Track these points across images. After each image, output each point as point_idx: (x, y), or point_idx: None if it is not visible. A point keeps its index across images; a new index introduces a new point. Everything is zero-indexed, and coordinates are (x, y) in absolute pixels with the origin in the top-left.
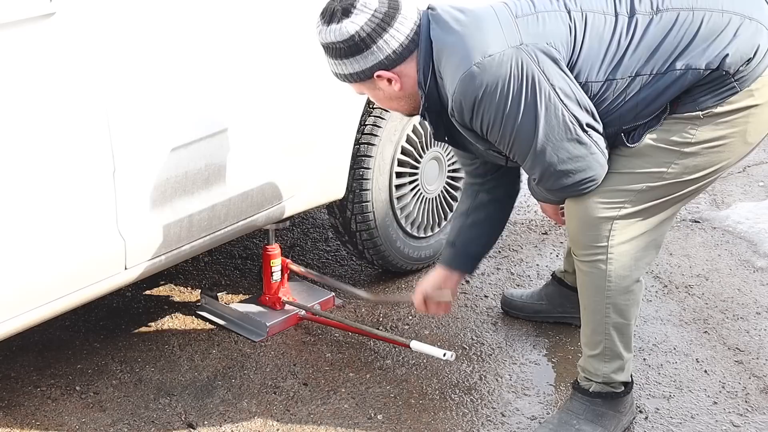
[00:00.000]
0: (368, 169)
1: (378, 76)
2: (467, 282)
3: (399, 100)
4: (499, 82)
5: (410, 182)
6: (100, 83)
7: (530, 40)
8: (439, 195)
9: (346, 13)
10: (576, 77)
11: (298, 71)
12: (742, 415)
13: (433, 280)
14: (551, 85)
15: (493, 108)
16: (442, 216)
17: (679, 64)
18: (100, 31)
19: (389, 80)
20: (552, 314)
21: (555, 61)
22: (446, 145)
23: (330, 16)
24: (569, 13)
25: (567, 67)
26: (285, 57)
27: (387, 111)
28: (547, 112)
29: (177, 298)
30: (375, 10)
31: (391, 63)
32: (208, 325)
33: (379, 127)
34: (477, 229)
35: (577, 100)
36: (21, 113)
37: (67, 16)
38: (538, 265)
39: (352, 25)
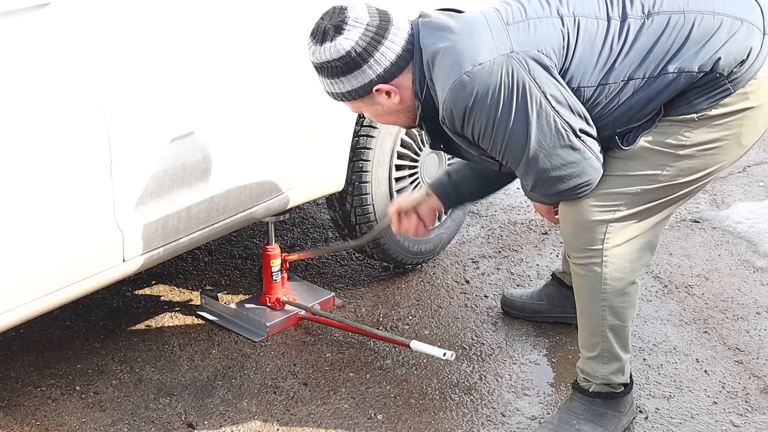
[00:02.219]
0: (367, 161)
1: (377, 90)
2: (467, 282)
3: (398, 114)
4: (490, 90)
5: (410, 175)
6: (96, 74)
7: (521, 48)
8: None
9: (338, 30)
10: (569, 82)
11: (296, 62)
12: (742, 415)
13: (412, 197)
14: (542, 92)
15: (483, 116)
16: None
17: (671, 68)
18: (96, 20)
19: (388, 93)
20: (552, 314)
21: (546, 68)
22: None
23: (322, 35)
24: (561, 18)
25: (560, 72)
26: (284, 47)
27: None
28: (538, 119)
29: (177, 298)
30: (367, 24)
31: (389, 76)
32: (208, 325)
33: None
34: (475, 178)
35: (570, 105)
36: (16, 105)
37: (61, 6)
38: (538, 265)
39: (346, 42)
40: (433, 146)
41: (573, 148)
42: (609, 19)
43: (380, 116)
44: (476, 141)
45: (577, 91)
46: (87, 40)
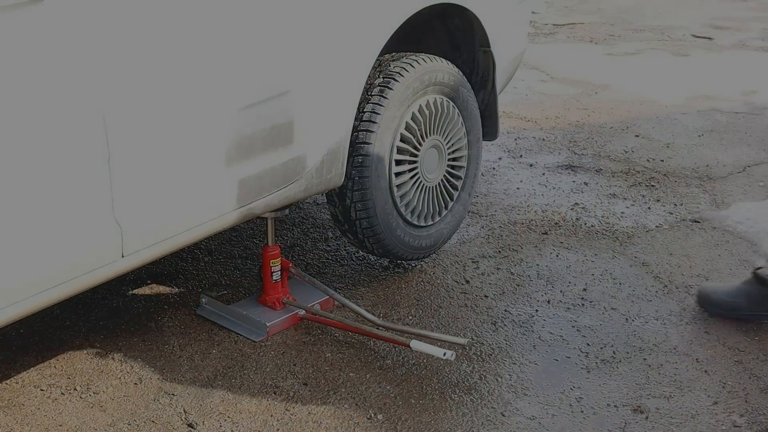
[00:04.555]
0: (367, 156)
1: None
2: (467, 282)
3: None
4: None
5: (410, 170)
6: (92, 68)
7: None
8: (439, 184)
9: None
10: None
11: (295, 56)
12: (742, 415)
13: None
14: None
15: None
16: (443, 205)
17: None
18: (92, 13)
19: None
20: (754, 312)
21: None
22: (446, 133)
23: None
24: None
25: None
26: (283, 41)
27: (386, 98)
28: None
29: (177, 298)
30: None
31: None
32: (208, 325)
33: (377, 114)
34: None
35: None
36: (11, 100)
37: (56, 0)
38: (538, 265)
39: None
40: None
41: None
42: None
43: None
44: None
45: None
46: (82, 34)
